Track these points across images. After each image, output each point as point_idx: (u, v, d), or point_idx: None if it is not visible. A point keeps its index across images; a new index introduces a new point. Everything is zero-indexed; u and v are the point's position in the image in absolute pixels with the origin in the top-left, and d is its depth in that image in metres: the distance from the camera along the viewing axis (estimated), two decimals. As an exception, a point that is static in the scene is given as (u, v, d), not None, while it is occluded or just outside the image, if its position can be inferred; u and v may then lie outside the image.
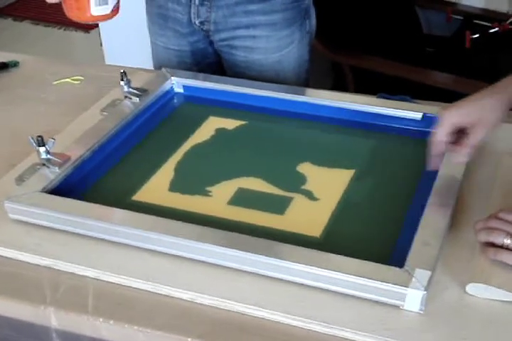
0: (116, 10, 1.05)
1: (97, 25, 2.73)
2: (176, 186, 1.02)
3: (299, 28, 1.40)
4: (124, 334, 0.81)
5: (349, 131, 1.15)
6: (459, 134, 0.96)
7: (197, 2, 1.35)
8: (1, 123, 1.21)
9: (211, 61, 1.47)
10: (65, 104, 1.26)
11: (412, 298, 0.79)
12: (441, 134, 0.95)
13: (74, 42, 3.34)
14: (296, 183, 1.02)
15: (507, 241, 0.82)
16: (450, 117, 0.95)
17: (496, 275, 0.82)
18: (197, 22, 1.38)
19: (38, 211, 0.93)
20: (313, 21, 1.45)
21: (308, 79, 1.49)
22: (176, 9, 1.39)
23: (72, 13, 1.03)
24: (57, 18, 3.48)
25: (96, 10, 1.02)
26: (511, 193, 0.96)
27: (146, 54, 1.58)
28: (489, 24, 2.28)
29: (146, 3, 1.45)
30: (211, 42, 1.43)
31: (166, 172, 1.05)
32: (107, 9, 1.03)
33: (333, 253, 0.84)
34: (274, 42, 1.39)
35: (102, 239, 0.91)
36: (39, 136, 1.00)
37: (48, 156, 1.01)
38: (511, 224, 0.84)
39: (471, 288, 0.82)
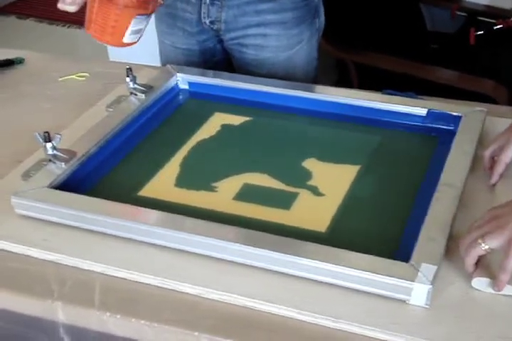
0: (140, 36, 1.10)
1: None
2: (181, 182, 1.03)
3: (308, 27, 1.40)
4: (131, 328, 0.82)
5: (354, 126, 1.15)
6: None
7: (207, 2, 1.35)
8: (6, 120, 1.22)
9: (219, 59, 1.47)
10: (71, 100, 1.26)
11: (418, 293, 0.79)
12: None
13: (78, 40, 3.33)
14: (301, 179, 1.02)
15: (485, 246, 0.80)
16: None
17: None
18: (207, 21, 1.38)
19: (45, 206, 0.93)
20: (322, 19, 1.45)
21: (316, 77, 1.49)
22: (185, 9, 1.38)
23: (103, 37, 1.07)
24: (61, 15, 3.47)
25: (129, 38, 1.08)
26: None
27: (149, 52, 1.57)
28: (493, 21, 2.27)
29: None
30: (220, 41, 1.43)
31: (171, 168, 1.06)
32: (136, 37, 1.09)
33: (339, 248, 0.84)
34: (285, 40, 1.39)
35: (109, 234, 0.91)
36: (46, 132, 1.00)
37: (55, 152, 1.01)
38: (486, 225, 0.81)
39: (477, 283, 0.82)
